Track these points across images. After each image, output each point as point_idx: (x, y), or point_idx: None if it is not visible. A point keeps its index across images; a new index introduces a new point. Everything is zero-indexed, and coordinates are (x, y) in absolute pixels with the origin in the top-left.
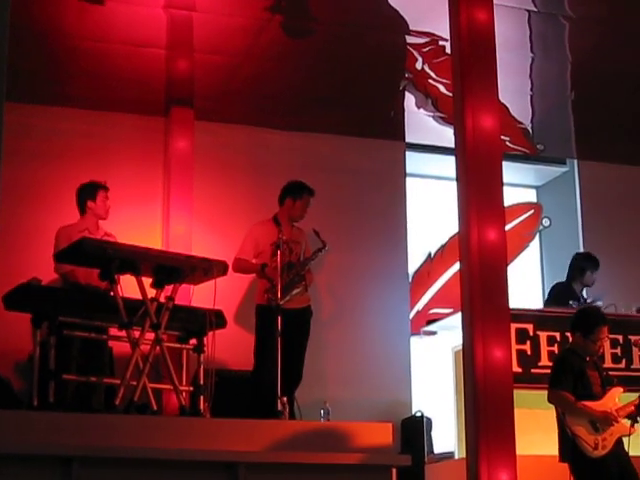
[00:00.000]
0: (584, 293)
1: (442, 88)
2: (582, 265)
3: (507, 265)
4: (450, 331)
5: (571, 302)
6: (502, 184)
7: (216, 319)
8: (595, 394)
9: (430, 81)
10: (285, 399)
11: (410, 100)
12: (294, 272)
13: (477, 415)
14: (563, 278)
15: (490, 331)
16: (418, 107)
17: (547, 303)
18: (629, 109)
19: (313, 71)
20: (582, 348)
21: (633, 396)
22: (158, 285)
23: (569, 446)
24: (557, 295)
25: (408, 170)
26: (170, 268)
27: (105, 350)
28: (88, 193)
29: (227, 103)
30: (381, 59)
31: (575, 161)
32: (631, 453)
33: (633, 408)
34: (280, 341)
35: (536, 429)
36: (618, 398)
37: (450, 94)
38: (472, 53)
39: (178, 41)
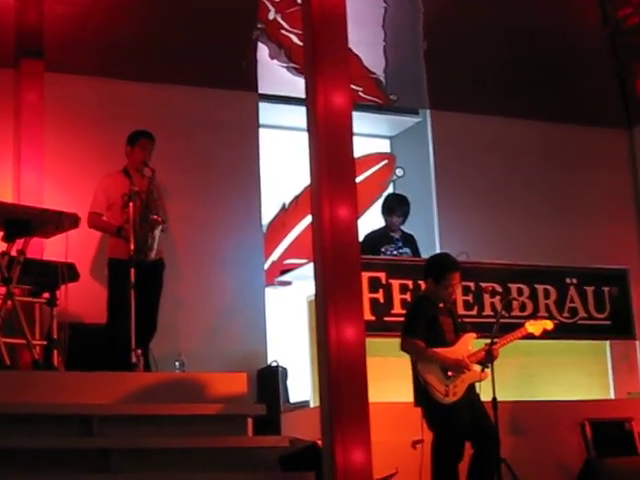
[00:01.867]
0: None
1: (295, 39)
2: (389, 206)
3: (358, 216)
4: (305, 281)
5: (384, 248)
6: (352, 134)
7: (68, 272)
8: (448, 341)
9: (283, 31)
10: (140, 351)
11: (263, 51)
12: (145, 222)
13: (330, 364)
14: (415, 227)
15: (341, 280)
16: (271, 58)
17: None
18: (481, 59)
19: (164, 21)
20: (434, 294)
21: (485, 342)
22: (9, 239)
23: (422, 392)
24: (369, 241)
25: (262, 121)
26: (21, 221)
27: None
28: None
29: (77, 54)
30: (233, 9)
31: (428, 111)
32: (483, 398)
33: (484, 354)
34: (133, 294)
35: (390, 376)
36: (471, 345)
37: None
38: (322, 3)
39: None
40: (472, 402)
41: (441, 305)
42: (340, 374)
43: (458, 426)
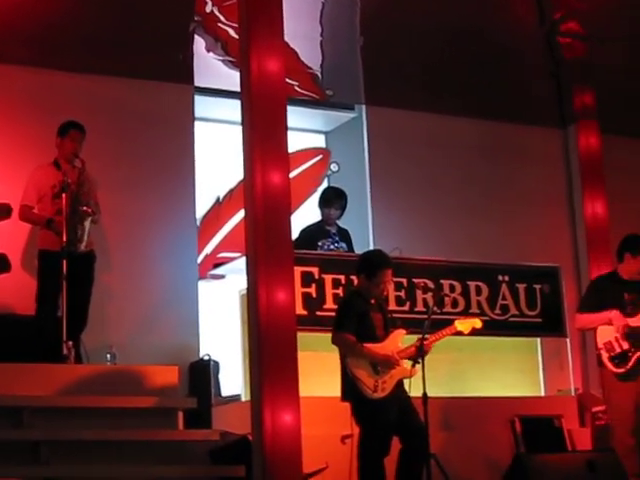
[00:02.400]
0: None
1: (231, 32)
2: (328, 199)
3: (291, 209)
4: (238, 274)
5: (321, 242)
6: (286, 128)
7: (0, 263)
8: (378, 336)
9: (220, 24)
10: (71, 343)
11: (200, 43)
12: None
13: (261, 357)
14: (349, 222)
15: (274, 274)
16: (208, 50)
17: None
18: (417, 56)
19: (99, 11)
20: (366, 290)
21: (416, 338)
22: None
23: (350, 387)
24: (306, 235)
25: (197, 114)
26: None
27: None
28: None
29: (9, 43)
30: (170, 0)
31: (363, 106)
32: (412, 394)
33: (414, 350)
34: (65, 285)
35: (321, 371)
36: (401, 341)
37: None
38: None
39: None
40: (400, 398)
41: (372, 301)
42: (271, 367)
43: (385, 421)
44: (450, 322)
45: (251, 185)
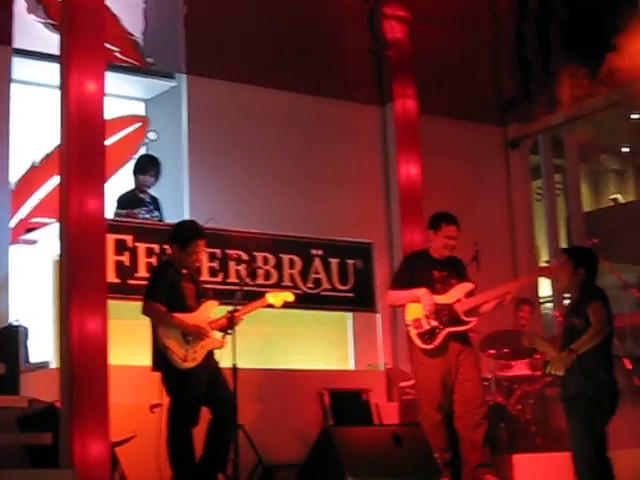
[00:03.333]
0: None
1: None
2: (143, 166)
3: (105, 177)
4: (51, 240)
5: (137, 210)
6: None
7: None
8: (189, 306)
9: None
10: None
11: (20, 5)
12: None
13: (71, 323)
14: (166, 192)
15: (85, 241)
16: (29, 12)
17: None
18: (239, 27)
19: None
20: (179, 260)
21: (228, 310)
22: None
23: (161, 357)
24: (123, 204)
25: (14, 76)
26: None
27: None
28: None
29: None
30: None
31: (184, 76)
32: (223, 365)
33: (225, 321)
34: None
35: (132, 340)
36: (212, 311)
37: None
38: None
39: None
40: (211, 368)
41: (184, 271)
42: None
43: (195, 391)
44: (262, 294)
45: (67, 150)
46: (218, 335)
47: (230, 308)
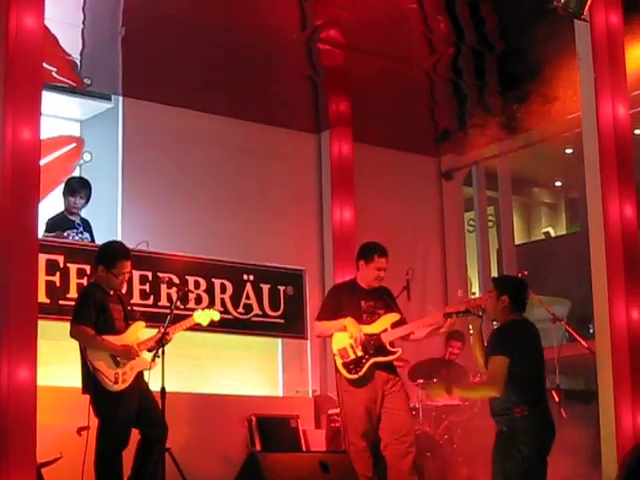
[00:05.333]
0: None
1: None
2: (72, 188)
3: (39, 198)
4: None
5: (67, 232)
6: (40, 113)
7: None
8: (117, 328)
9: None
10: None
11: None
12: None
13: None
14: (98, 213)
15: (16, 261)
16: None
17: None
18: (178, 51)
19: None
20: (105, 281)
21: (156, 331)
22: None
23: (90, 379)
24: (51, 228)
25: None
26: None
27: None
28: None
29: None
30: None
31: (120, 98)
32: (152, 388)
33: (154, 343)
34: None
35: (62, 361)
36: (140, 333)
37: None
38: None
39: None
40: (140, 390)
41: (111, 293)
42: (11, 351)
43: (126, 413)
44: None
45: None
46: (147, 356)
47: (159, 329)
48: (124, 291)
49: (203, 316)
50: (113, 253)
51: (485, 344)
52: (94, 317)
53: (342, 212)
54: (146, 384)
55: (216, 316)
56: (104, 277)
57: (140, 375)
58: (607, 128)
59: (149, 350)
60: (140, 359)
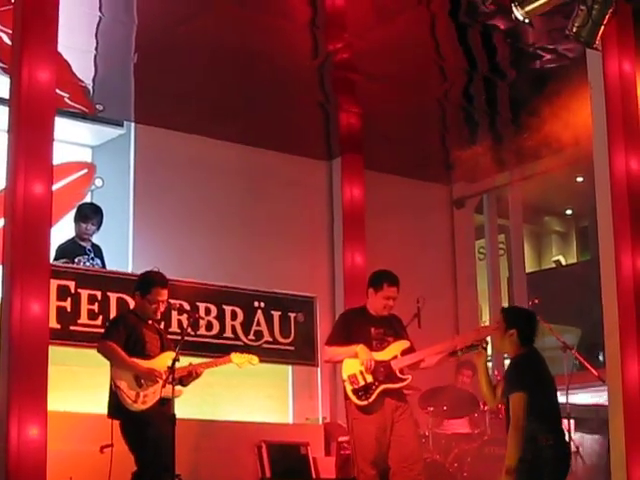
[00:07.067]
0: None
1: (5, 37)
2: (84, 215)
3: (51, 222)
4: None
5: (77, 259)
6: (52, 140)
7: None
8: (148, 352)
9: None
10: None
11: None
12: None
13: (10, 369)
14: (110, 239)
15: (29, 286)
16: None
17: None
18: (189, 78)
19: None
20: (141, 309)
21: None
22: None
23: (113, 399)
24: (62, 254)
25: None
26: None
27: None
28: None
29: None
30: None
31: (132, 124)
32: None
33: (186, 373)
34: None
35: (72, 386)
36: (170, 362)
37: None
38: (34, 5)
39: None
40: (163, 416)
41: (150, 322)
42: (21, 379)
43: (155, 434)
44: (207, 345)
45: (12, 194)
46: (176, 386)
47: (191, 360)
48: (159, 317)
49: (241, 359)
50: (148, 280)
51: (489, 374)
52: (123, 337)
53: (353, 241)
54: (172, 412)
55: (255, 361)
56: (140, 304)
57: (165, 401)
58: (619, 163)
59: (178, 379)
60: (165, 384)
